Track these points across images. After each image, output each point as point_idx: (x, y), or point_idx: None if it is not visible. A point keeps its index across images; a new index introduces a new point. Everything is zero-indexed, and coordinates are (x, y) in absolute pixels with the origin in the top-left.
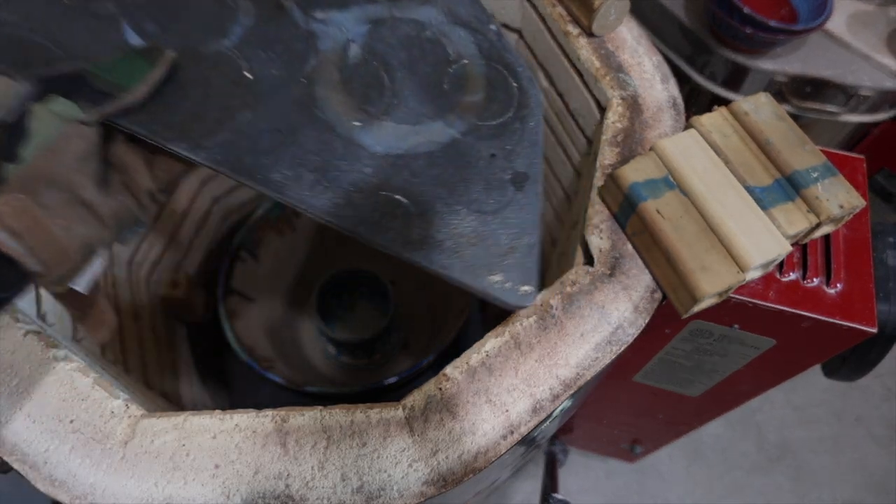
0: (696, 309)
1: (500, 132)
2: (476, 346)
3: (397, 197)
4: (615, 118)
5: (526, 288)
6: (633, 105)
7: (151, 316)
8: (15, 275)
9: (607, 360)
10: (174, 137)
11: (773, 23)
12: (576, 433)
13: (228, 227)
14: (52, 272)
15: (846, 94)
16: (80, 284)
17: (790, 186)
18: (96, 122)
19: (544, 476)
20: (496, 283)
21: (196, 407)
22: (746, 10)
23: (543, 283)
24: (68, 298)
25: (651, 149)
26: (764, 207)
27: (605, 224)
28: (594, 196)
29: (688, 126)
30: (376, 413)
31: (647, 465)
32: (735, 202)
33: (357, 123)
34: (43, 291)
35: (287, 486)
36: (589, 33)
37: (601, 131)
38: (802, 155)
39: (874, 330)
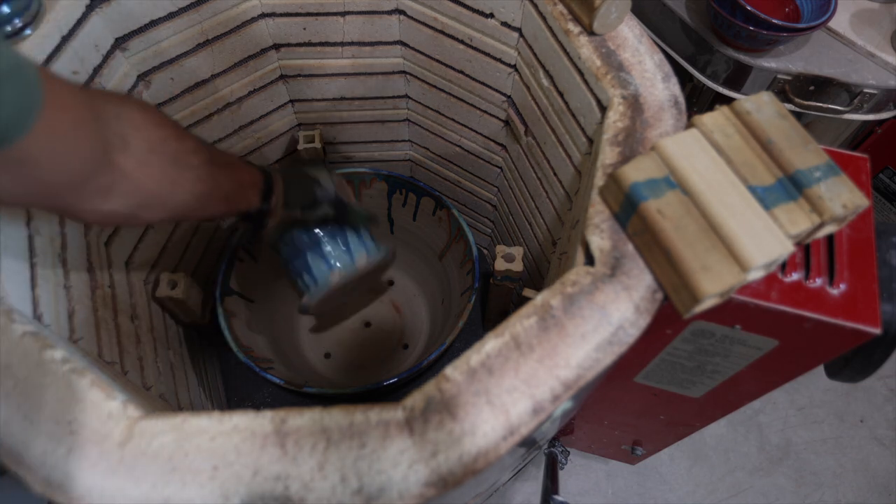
0: (698, 309)
1: None
2: (476, 346)
3: None
4: (616, 117)
5: None
6: (635, 104)
7: (149, 316)
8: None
9: (608, 361)
10: None
11: (775, 21)
12: (576, 434)
13: (227, 227)
14: None
15: (850, 93)
16: None
17: (792, 186)
18: None
19: (545, 478)
20: None
21: (194, 408)
22: (749, 7)
23: (544, 283)
24: None
25: (652, 148)
26: (766, 207)
27: (606, 224)
28: (595, 196)
29: (689, 125)
30: (376, 414)
31: (648, 466)
32: (737, 202)
33: None
34: (39, 292)
35: (286, 487)
36: (590, 32)
37: (602, 130)
38: (805, 154)
39: (878, 331)
